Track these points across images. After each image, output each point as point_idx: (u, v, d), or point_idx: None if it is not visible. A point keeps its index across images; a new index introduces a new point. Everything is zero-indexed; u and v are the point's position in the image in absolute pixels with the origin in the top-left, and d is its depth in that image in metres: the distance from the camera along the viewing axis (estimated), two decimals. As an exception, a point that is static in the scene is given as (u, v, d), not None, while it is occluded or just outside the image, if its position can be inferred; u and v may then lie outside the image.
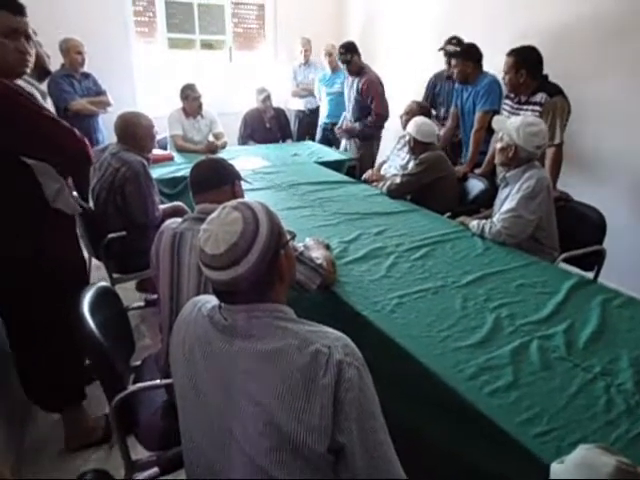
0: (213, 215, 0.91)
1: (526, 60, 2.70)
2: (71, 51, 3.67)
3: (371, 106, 3.95)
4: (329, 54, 4.48)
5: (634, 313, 1.54)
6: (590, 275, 2.25)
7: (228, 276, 0.85)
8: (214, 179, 1.49)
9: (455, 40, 3.52)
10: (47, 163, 1.61)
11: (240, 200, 0.94)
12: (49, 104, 2.22)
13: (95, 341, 1.28)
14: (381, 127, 4.10)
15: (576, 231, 2.37)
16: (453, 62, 3.29)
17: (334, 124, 4.41)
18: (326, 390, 0.78)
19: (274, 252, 0.89)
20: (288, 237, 0.98)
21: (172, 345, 0.99)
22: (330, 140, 4.57)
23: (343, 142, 4.39)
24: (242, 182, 1.64)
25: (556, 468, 0.70)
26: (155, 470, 1.14)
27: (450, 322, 1.48)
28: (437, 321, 1.49)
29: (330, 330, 0.89)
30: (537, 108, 2.69)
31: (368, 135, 4.08)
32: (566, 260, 2.26)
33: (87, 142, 1.73)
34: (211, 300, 0.96)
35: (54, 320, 1.70)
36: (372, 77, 3.95)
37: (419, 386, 1.31)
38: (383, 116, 4.00)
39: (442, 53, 3.62)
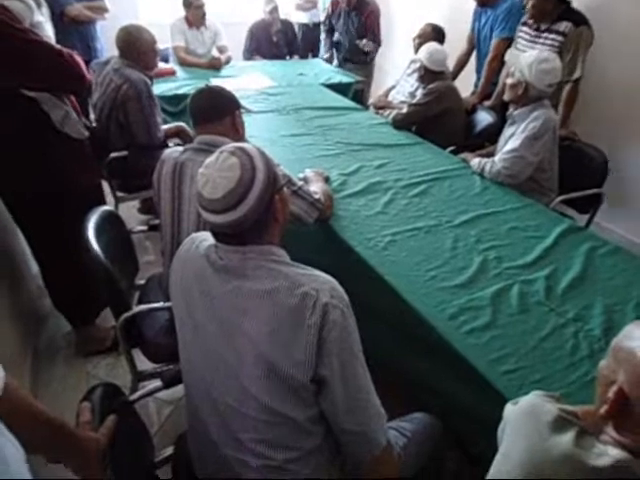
0: (211, 159, 0.94)
1: None
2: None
3: (368, 35, 3.84)
4: None
5: (617, 262, 1.59)
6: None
7: (225, 220, 0.90)
8: (214, 111, 1.49)
9: None
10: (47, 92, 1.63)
11: (238, 145, 0.96)
12: (44, 11, 2.14)
13: (100, 263, 1.36)
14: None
15: (578, 172, 2.37)
16: None
17: None
18: (311, 329, 0.86)
19: (270, 197, 0.93)
20: (283, 181, 1.02)
21: (171, 279, 1.06)
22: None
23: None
24: (243, 109, 1.63)
25: (508, 408, 0.80)
26: (158, 383, 1.26)
27: (439, 262, 1.54)
28: (426, 260, 1.55)
29: (319, 273, 0.95)
30: (559, 38, 2.54)
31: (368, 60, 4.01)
32: (566, 201, 2.29)
33: (82, 64, 1.72)
34: (208, 238, 1.01)
35: (71, 241, 1.79)
36: (375, 8, 3.82)
37: (403, 322, 1.40)
38: (379, 47, 3.96)
39: None
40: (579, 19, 2.52)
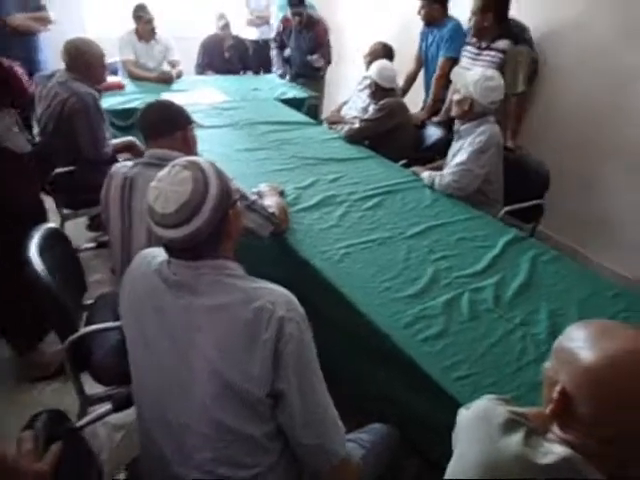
0: (163, 173, 0.92)
1: (494, 3, 2.67)
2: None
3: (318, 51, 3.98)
4: None
5: (559, 268, 1.68)
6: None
7: (177, 234, 0.88)
8: (165, 125, 1.47)
9: None
10: None
11: (190, 158, 0.95)
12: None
13: (43, 283, 1.30)
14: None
15: (523, 184, 2.48)
16: (420, 3, 3.20)
17: None
18: (267, 343, 0.86)
19: (223, 211, 0.93)
20: (237, 196, 1.01)
21: (121, 296, 1.03)
22: None
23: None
24: (195, 123, 1.61)
25: (461, 413, 0.82)
26: (108, 406, 1.21)
27: (392, 273, 1.57)
28: (380, 272, 1.58)
29: (275, 286, 0.95)
30: (499, 55, 2.69)
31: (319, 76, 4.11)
32: (512, 213, 2.40)
33: (23, 77, 1.66)
34: (160, 254, 0.99)
35: (13, 261, 1.69)
36: (324, 26, 3.98)
37: (359, 333, 1.41)
38: (329, 63, 4.14)
39: None
40: (518, 38, 2.67)
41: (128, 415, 1.35)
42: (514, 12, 2.79)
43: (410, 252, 1.70)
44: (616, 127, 2.66)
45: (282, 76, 4.26)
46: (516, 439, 0.68)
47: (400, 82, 3.27)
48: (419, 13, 3.21)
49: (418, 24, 3.34)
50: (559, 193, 2.60)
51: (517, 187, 2.42)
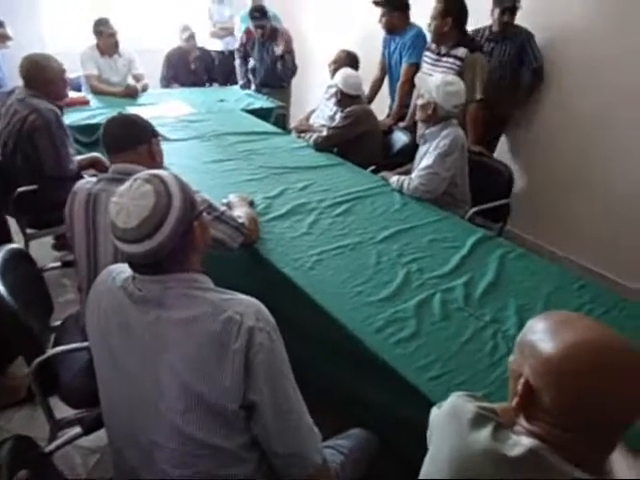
0: (124, 187, 0.91)
1: (454, 9, 2.73)
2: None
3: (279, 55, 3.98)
4: None
5: (527, 264, 1.72)
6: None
7: (140, 249, 0.87)
8: (128, 139, 1.45)
9: None
10: None
11: (151, 172, 0.94)
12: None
13: (5, 305, 1.26)
14: None
15: (488, 185, 2.54)
16: (380, 12, 3.26)
17: None
18: (237, 354, 0.85)
19: (188, 224, 0.92)
20: (202, 207, 1.01)
21: (87, 314, 1.00)
22: None
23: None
24: (160, 137, 1.60)
25: (433, 412, 0.83)
26: (77, 430, 1.17)
27: (364, 278, 1.58)
28: (352, 277, 1.59)
29: (244, 297, 0.94)
30: (457, 62, 2.76)
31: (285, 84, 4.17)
32: (480, 213, 2.45)
33: None
34: (125, 270, 0.97)
35: None
36: (287, 35, 4.00)
37: (332, 338, 1.42)
38: (295, 70, 4.14)
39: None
40: (474, 46, 2.76)
41: (103, 438, 1.32)
42: (519, 19, 2.89)
43: (381, 256, 1.72)
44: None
45: (244, 86, 4.26)
46: (485, 434, 0.69)
47: (366, 90, 3.32)
48: (380, 21, 3.26)
49: (381, 32, 3.39)
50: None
51: (483, 189, 2.48)
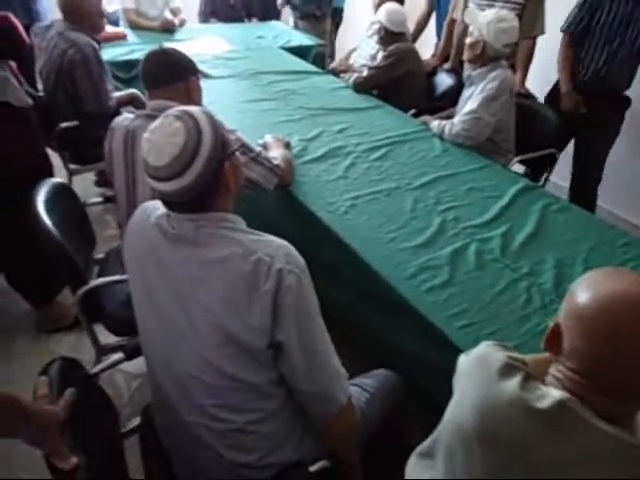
0: (156, 124, 0.90)
1: None
2: None
3: None
4: None
5: (568, 218, 1.65)
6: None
7: (172, 187, 0.87)
8: (165, 76, 1.42)
9: None
10: None
11: (183, 108, 0.92)
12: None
13: (51, 238, 1.31)
14: None
15: (535, 132, 2.41)
16: None
17: None
18: (266, 296, 0.86)
19: (219, 163, 0.91)
20: (235, 146, 0.99)
21: (124, 251, 1.04)
22: None
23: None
24: (201, 74, 1.57)
25: (461, 359, 0.83)
26: (120, 355, 1.25)
27: (398, 224, 1.56)
28: (387, 223, 1.57)
29: (274, 238, 0.95)
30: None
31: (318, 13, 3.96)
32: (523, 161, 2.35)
33: (20, 28, 1.61)
34: (159, 207, 0.98)
35: (22, 217, 1.71)
36: None
37: (364, 283, 1.42)
38: None
39: None
40: None
41: (143, 365, 1.40)
42: None
43: (417, 203, 1.68)
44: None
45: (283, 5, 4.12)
46: (512, 383, 0.68)
47: (410, 27, 3.13)
48: None
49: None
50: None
51: (527, 136, 2.35)
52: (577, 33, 2.40)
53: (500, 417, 0.69)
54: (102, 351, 1.54)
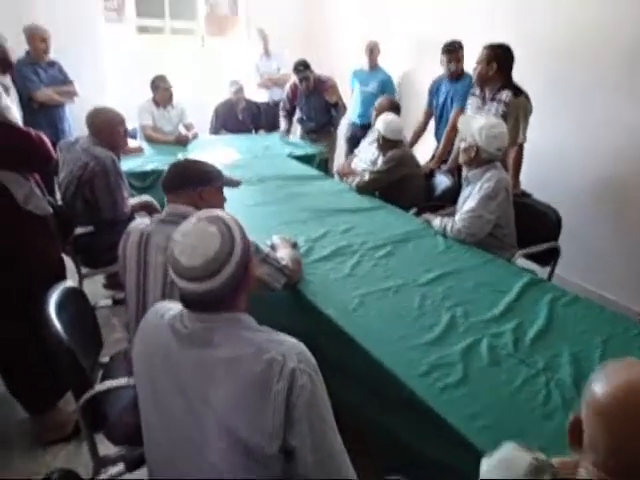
0: (187, 227, 0.94)
1: (499, 55, 2.77)
2: (34, 39, 3.56)
3: (332, 104, 4.10)
4: (370, 51, 4.28)
5: (577, 311, 1.64)
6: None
7: (201, 288, 0.90)
8: (178, 182, 1.51)
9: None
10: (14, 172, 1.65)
11: (214, 213, 0.97)
12: (12, 96, 2.20)
13: (60, 341, 1.31)
14: None
15: (534, 228, 2.48)
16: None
17: (365, 126, 3.99)
18: (279, 396, 0.84)
19: (244, 268, 0.95)
20: (252, 249, 1.03)
21: (134, 351, 1.03)
22: (359, 140, 3.85)
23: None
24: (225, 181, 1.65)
25: (484, 462, 0.78)
26: (121, 467, 1.18)
27: (407, 321, 1.55)
28: (395, 320, 1.56)
29: (286, 338, 0.95)
30: (502, 107, 2.76)
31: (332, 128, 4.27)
32: (526, 255, 2.38)
33: (48, 144, 1.76)
34: (173, 307, 1.00)
35: (32, 320, 1.72)
36: (332, 82, 4.08)
37: (376, 382, 1.38)
38: (345, 110, 4.23)
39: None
40: (518, 90, 2.76)
41: (144, 476, 1.32)
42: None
43: (424, 299, 1.69)
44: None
45: (287, 131, 4.40)
46: (542, 486, 0.64)
47: (407, 135, 3.37)
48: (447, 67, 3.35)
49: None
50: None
51: (529, 231, 2.42)
52: None
53: None
54: (100, 463, 1.45)
